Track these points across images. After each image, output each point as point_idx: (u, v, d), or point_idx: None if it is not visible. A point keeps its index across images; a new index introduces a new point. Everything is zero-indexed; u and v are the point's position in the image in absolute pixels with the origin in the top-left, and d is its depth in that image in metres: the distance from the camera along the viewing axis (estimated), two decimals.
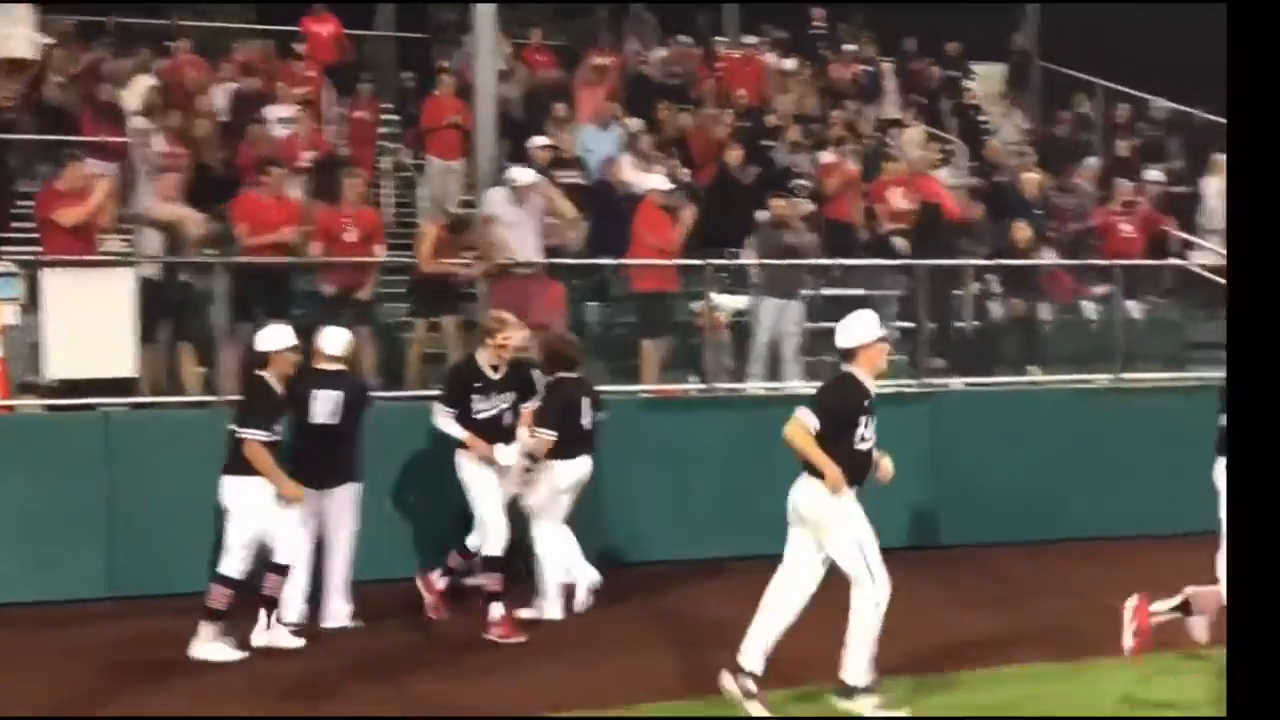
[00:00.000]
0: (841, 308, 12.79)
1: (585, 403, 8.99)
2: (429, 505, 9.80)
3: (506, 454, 8.65)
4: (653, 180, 12.22)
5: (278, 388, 8.22)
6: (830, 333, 12.46)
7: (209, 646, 7.95)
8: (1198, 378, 12.60)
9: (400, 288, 11.83)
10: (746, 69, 16.50)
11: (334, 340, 8.65)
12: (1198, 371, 12.83)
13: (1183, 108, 16.66)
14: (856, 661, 6.78)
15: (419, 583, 8.98)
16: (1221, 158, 14.77)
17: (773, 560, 7.05)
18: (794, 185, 12.85)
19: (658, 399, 11.06)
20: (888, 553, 10.49)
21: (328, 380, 8.55)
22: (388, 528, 9.51)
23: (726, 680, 6.77)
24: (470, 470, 8.62)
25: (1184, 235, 14.14)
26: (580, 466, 8.98)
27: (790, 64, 16.98)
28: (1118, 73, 17.45)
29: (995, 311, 12.89)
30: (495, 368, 8.62)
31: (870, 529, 6.82)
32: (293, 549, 8.16)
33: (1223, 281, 13.58)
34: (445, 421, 8.63)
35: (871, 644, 6.78)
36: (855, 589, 6.78)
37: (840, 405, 6.84)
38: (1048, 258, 13.15)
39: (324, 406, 8.49)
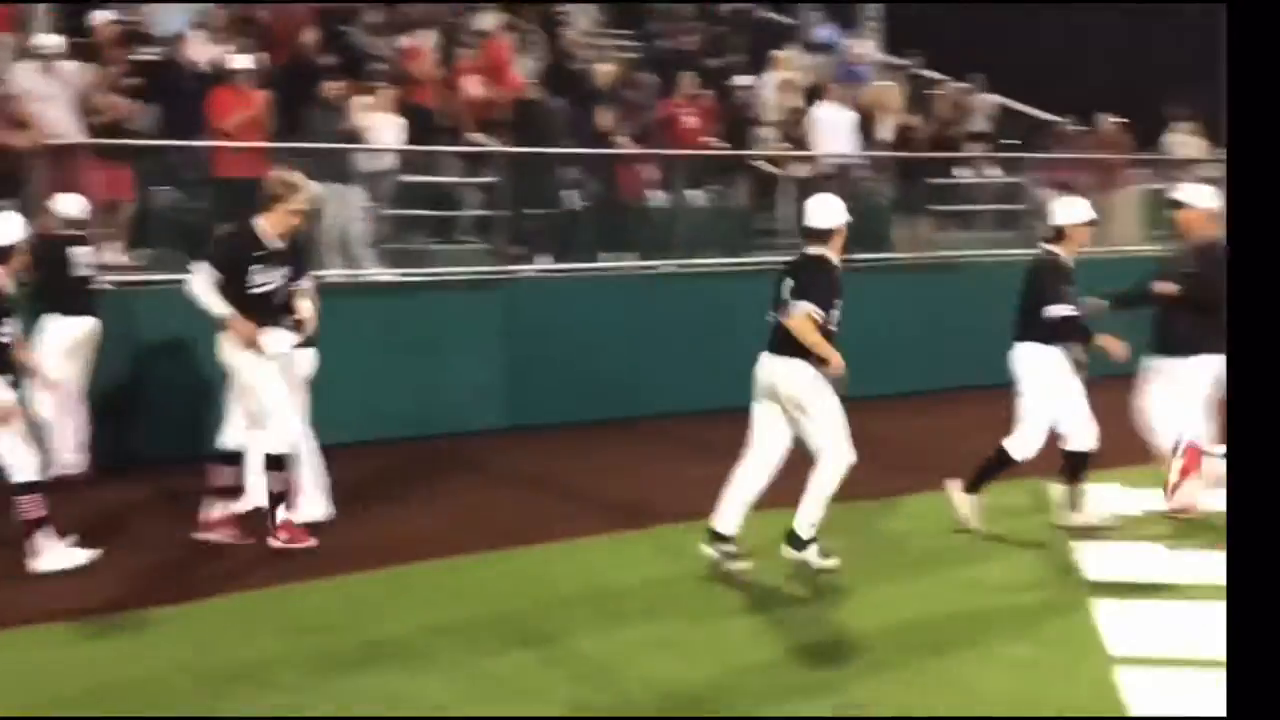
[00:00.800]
0: (421, 196, 13.02)
1: None
2: None
3: (278, 341, 7.76)
4: (229, 60, 11.83)
5: (9, 284, 7.53)
6: (410, 220, 12.75)
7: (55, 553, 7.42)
8: (758, 262, 13.46)
9: None
10: None
11: None
12: (759, 256, 13.70)
13: (744, 5, 17.51)
14: (809, 517, 7.20)
15: (204, 530, 7.95)
16: (780, 53, 15.71)
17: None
18: (373, 69, 12.76)
19: None
20: (463, 435, 10.95)
21: None
22: None
23: (706, 549, 7.29)
24: (241, 353, 7.65)
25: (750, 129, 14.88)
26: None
27: None
28: None
29: (573, 199, 13.27)
30: (281, 236, 7.73)
31: (840, 406, 7.27)
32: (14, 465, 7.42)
33: (778, 171, 14.50)
34: (205, 291, 7.54)
35: (824, 506, 7.20)
36: (823, 457, 7.17)
37: (838, 287, 7.21)
38: (622, 147, 13.62)
39: None
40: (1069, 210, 8.30)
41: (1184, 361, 8.21)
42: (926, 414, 12.09)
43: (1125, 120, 16.61)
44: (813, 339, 7.06)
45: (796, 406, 7.24)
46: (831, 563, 7.30)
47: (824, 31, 17.52)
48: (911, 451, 10.40)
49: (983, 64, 17.27)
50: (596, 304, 11.97)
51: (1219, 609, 6.81)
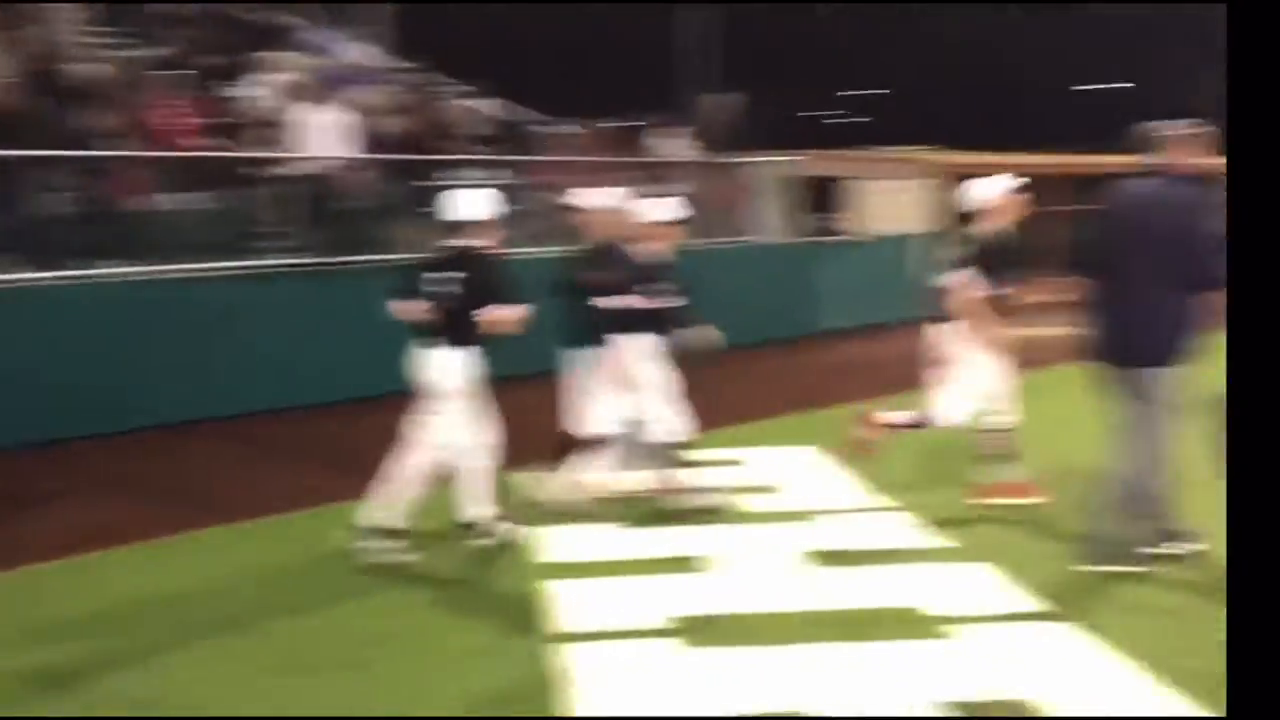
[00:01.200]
0: None
1: None
2: None
3: None
4: None
5: None
6: None
7: None
8: (257, 265, 13.29)
9: None
10: None
11: None
12: (256, 260, 13.52)
13: (241, 6, 17.27)
14: (475, 508, 7.72)
15: None
16: (274, 55, 15.59)
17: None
18: None
19: None
20: None
21: None
22: None
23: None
24: None
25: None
26: None
27: None
28: None
29: (61, 204, 12.65)
30: None
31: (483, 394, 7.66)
32: None
33: (269, 173, 14.32)
34: None
35: (486, 491, 7.72)
36: (462, 456, 7.58)
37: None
38: (109, 150, 13.12)
39: None
40: (656, 209, 8.70)
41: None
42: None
43: (620, 124, 17.53)
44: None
45: (441, 396, 7.52)
46: (510, 530, 7.80)
47: (321, 35, 17.51)
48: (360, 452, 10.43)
49: (492, 69, 17.79)
50: (82, 313, 11.49)
51: (660, 581, 7.41)
